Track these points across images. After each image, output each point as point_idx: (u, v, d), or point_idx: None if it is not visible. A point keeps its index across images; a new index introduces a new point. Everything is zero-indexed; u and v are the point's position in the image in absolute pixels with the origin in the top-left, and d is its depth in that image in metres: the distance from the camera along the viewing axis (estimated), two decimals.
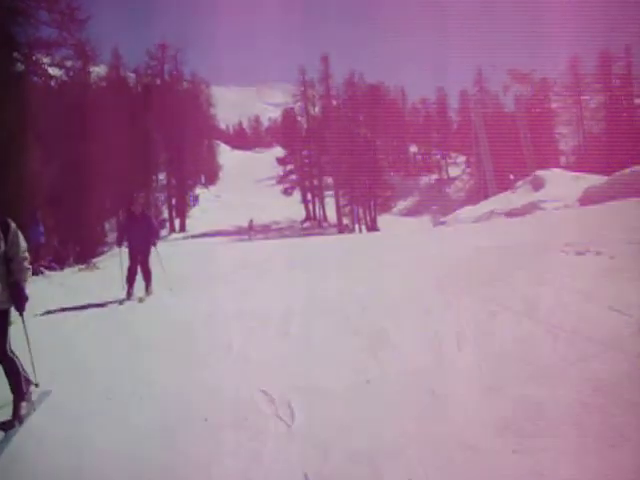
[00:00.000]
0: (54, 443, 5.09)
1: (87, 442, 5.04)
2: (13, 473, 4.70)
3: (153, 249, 11.96)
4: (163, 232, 46.12)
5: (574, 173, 33.69)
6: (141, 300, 11.26)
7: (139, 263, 11.85)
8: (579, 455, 4.12)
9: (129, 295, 11.54)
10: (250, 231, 43.41)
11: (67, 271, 20.28)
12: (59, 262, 22.81)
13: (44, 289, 14.59)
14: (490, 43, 43.62)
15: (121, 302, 11.11)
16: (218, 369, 6.56)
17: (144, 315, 9.73)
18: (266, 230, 46.04)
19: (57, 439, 5.15)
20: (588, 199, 23.61)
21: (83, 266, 20.60)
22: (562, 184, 30.45)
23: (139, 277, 11.90)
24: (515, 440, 4.39)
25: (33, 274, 17.83)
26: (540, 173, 35.08)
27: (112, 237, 41.99)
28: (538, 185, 33.44)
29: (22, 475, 4.64)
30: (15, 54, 26.10)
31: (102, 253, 28.05)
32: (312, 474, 4.28)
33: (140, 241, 11.74)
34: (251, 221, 44.60)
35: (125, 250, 11.98)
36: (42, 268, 19.05)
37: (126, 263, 11.86)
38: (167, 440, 4.96)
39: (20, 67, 26.91)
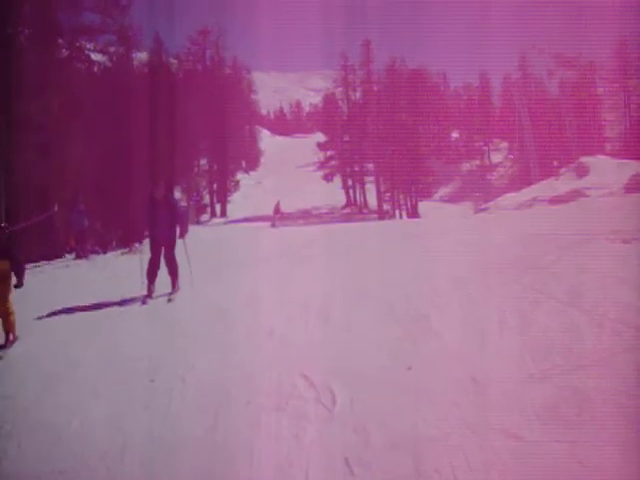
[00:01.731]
0: (99, 424, 5.18)
1: (131, 424, 5.12)
2: (57, 453, 4.78)
3: (179, 240, 10.61)
4: (204, 217, 46.41)
5: (620, 160, 33.09)
6: (170, 300, 9.96)
7: (163, 255, 10.44)
8: (623, 446, 4.07)
9: (150, 292, 10.21)
10: (275, 215, 39.54)
11: (110, 255, 20.57)
12: (102, 246, 23.09)
13: (87, 273, 14.83)
14: (535, 27, 42.93)
15: (143, 301, 9.89)
16: (260, 353, 6.60)
17: (185, 300, 9.81)
18: (306, 216, 46.00)
19: (102, 420, 5.24)
20: (634, 186, 23.18)
21: (126, 250, 20.85)
22: (607, 171, 29.96)
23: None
24: (558, 430, 4.36)
25: (76, 258, 18.18)
26: (585, 160, 34.52)
27: None
28: (583, 172, 32.93)
29: (67, 455, 4.72)
30: (60, 40, 26.36)
31: (145, 237, 28.34)
32: (353, 458, 4.30)
33: (163, 229, 10.31)
34: (277, 204, 41.10)
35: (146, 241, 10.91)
36: (86, 252, 19.31)
37: (147, 255, 10.56)
38: (210, 422, 5.02)
39: (64, 53, 27.20)
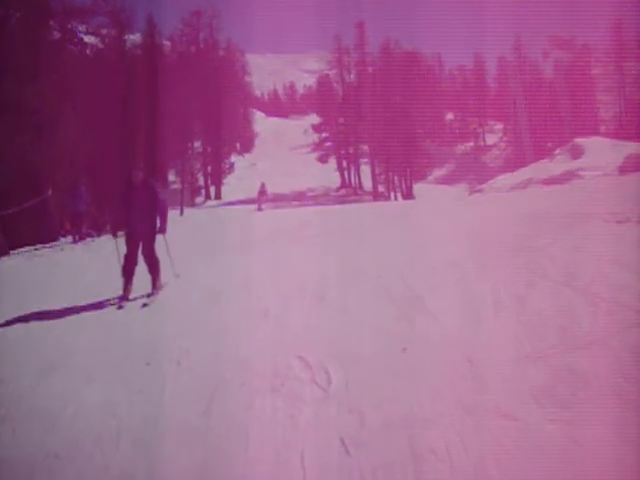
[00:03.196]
0: (93, 409, 5.17)
1: (126, 408, 5.11)
2: (52, 438, 4.78)
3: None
4: (198, 199, 46.31)
5: (614, 141, 33.07)
6: (145, 304, 8.66)
7: (141, 250, 9.24)
8: (619, 426, 4.08)
9: (127, 292, 9.06)
10: (260, 197, 36.44)
11: (104, 238, 20.53)
12: (96, 229, 23.05)
13: (83, 256, 14.81)
14: (530, 8, 42.82)
15: (119, 305, 8.73)
16: (255, 335, 6.60)
17: (180, 283, 9.78)
18: (301, 197, 46.04)
19: (97, 405, 5.23)
20: (628, 167, 23.18)
21: (121, 233, 20.81)
22: (602, 152, 29.92)
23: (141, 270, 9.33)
24: (553, 410, 4.36)
25: (73, 241, 18.15)
26: (579, 141, 34.50)
27: None
28: (577, 153, 32.92)
29: (62, 442, 4.71)
30: (51, 22, 26.21)
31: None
32: (348, 439, 4.30)
33: (141, 220, 9.07)
34: (262, 185, 38.00)
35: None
36: (80, 235, 19.26)
37: (123, 249, 9.31)
38: (204, 405, 5.01)
39: (56, 35, 27.07)
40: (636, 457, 3.80)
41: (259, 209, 33.61)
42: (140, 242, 9.15)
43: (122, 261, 9.20)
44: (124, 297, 8.96)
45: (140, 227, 9.07)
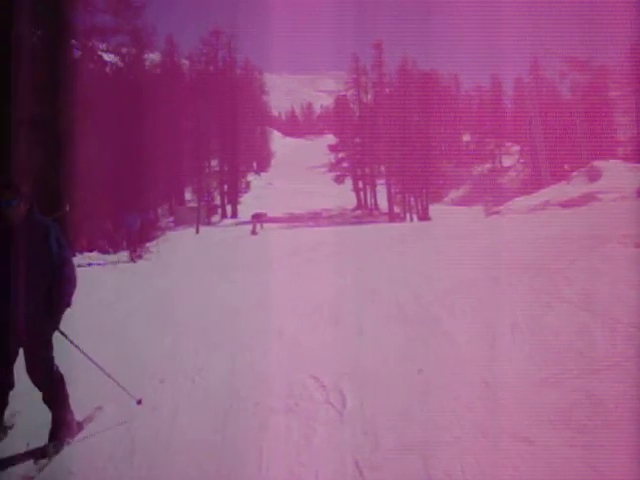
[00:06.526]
0: (108, 425, 5.16)
1: (140, 425, 5.10)
2: (66, 454, 4.77)
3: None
4: (214, 218, 46.43)
5: (632, 164, 32.92)
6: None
7: (24, 357, 4.73)
8: (636, 451, 4.03)
9: None
10: (254, 220, 33.65)
11: (121, 254, 20.67)
12: (113, 246, 23.17)
13: (99, 272, 14.86)
14: (547, 30, 42.91)
15: None
16: (269, 355, 6.59)
17: (194, 300, 9.79)
18: (317, 217, 46.08)
19: (110, 421, 5.22)
20: None
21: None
22: (619, 175, 29.76)
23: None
24: (570, 434, 4.31)
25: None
26: (597, 164, 34.34)
27: (164, 222, 42.51)
28: (594, 176, 32.73)
29: (75, 458, 4.71)
30: (73, 41, 26.47)
31: (155, 237, 28.53)
32: (363, 461, 4.26)
33: (22, 295, 4.55)
34: (262, 212, 35.44)
35: None
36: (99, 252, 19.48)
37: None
38: (218, 423, 4.99)
39: (77, 54, 27.31)
40: None
41: (253, 233, 31.82)
42: (19, 342, 4.68)
43: None
44: None
45: (19, 311, 4.57)
